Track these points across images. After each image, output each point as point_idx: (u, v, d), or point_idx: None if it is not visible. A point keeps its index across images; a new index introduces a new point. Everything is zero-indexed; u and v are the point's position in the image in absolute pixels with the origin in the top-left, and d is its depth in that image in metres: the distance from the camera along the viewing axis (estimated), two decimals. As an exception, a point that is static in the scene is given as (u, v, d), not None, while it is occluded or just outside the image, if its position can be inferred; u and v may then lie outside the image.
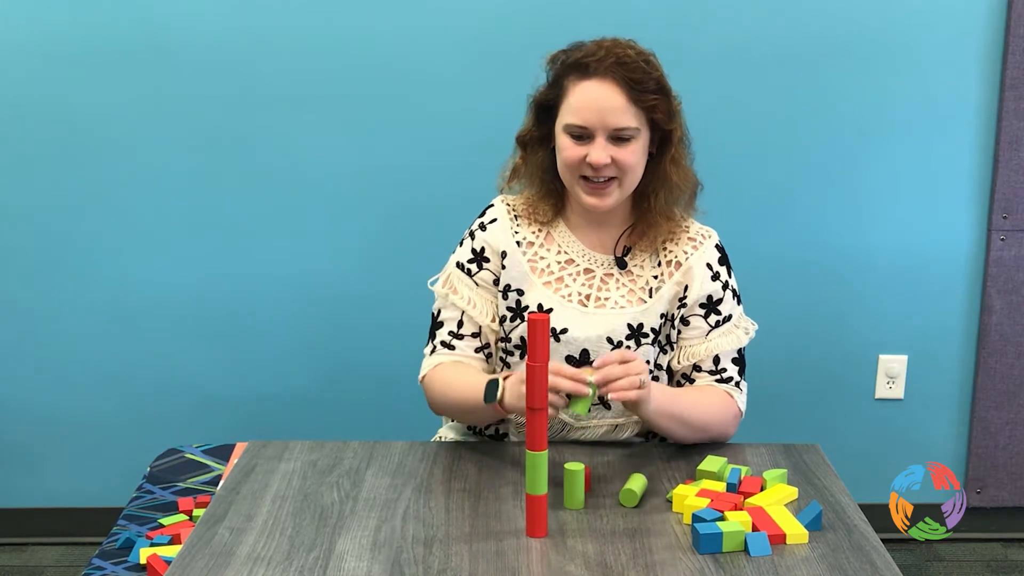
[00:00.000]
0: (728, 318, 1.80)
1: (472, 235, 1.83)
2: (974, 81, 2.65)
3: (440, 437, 1.97)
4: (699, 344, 1.80)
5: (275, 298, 2.74)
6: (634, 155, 1.70)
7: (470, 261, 1.81)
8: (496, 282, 1.81)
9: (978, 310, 2.80)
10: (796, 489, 1.61)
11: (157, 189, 2.67)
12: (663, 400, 1.67)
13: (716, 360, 1.80)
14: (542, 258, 1.79)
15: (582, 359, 1.75)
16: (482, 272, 1.81)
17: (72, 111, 2.62)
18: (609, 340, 1.75)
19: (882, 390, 2.85)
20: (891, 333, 2.81)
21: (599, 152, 1.67)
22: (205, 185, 2.67)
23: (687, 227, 1.82)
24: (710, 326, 1.79)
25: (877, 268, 2.76)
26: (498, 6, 2.58)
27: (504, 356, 1.80)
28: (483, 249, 1.81)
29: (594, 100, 1.67)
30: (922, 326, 2.81)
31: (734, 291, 1.82)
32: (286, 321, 2.76)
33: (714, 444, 1.79)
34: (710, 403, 1.77)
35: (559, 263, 1.79)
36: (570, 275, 1.79)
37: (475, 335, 1.81)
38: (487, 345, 1.82)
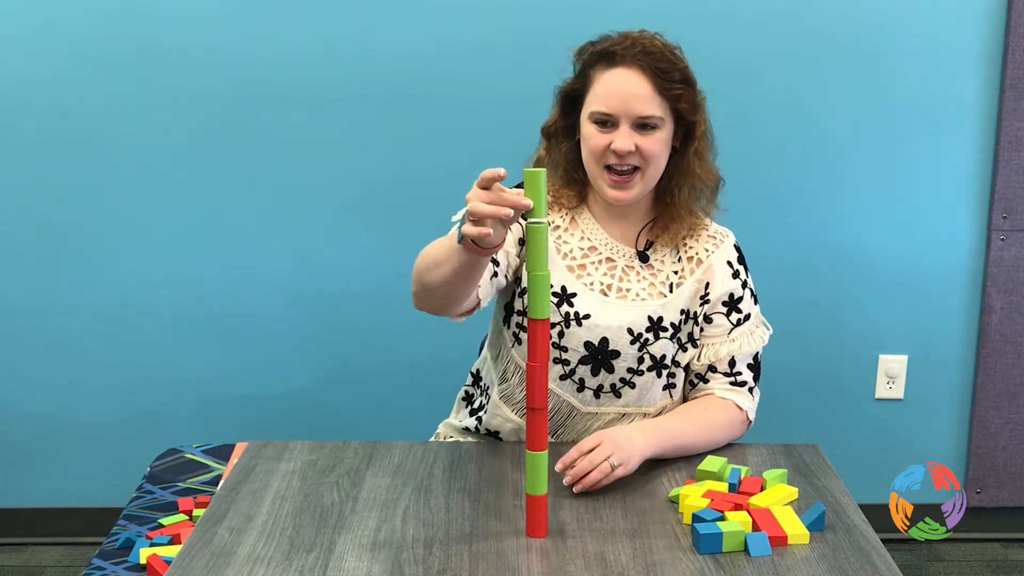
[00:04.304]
0: (748, 316, 1.81)
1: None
2: (974, 81, 2.66)
3: (440, 437, 1.97)
4: (722, 343, 1.80)
5: (275, 298, 2.74)
6: (657, 144, 1.70)
7: None
8: (521, 242, 1.77)
9: (978, 310, 2.80)
10: (796, 489, 1.61)
11: (157, 189, 2.67)
12: (659, 444, 1.67)
13: (732, 363, 1.80)
14: (565, 242, 1.79)
15: (601, 347, 1.74)
16: (514, 226, 1.72)
17: (71, 111, 2.62)
18: (630, 331, 1.75)
19: (882, 390, 2.85)
20: (891, 333, 2.81)
21: (624, 139, 1.68)
22: (205, 185, 2.67)
23: (707, 224, 1.83)
24: (732, 324, 1.80)
25: (877, 268, 2.76)
26: (498, 7, 2.58)
27: (517, 331, 1.79)
28: None
29: (620, 88, 1.68)
30: (922, 326, 2.81)
31: (752, 291, 1.83)
32: (286, 321, 2.76)
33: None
34: (714, 420, 1.77)
35: (582, 250, 1.79)
36: (592, 263, 1.79)
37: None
38: (499, 265, 1.73)
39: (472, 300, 1.66)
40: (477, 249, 1.45)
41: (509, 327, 1.81)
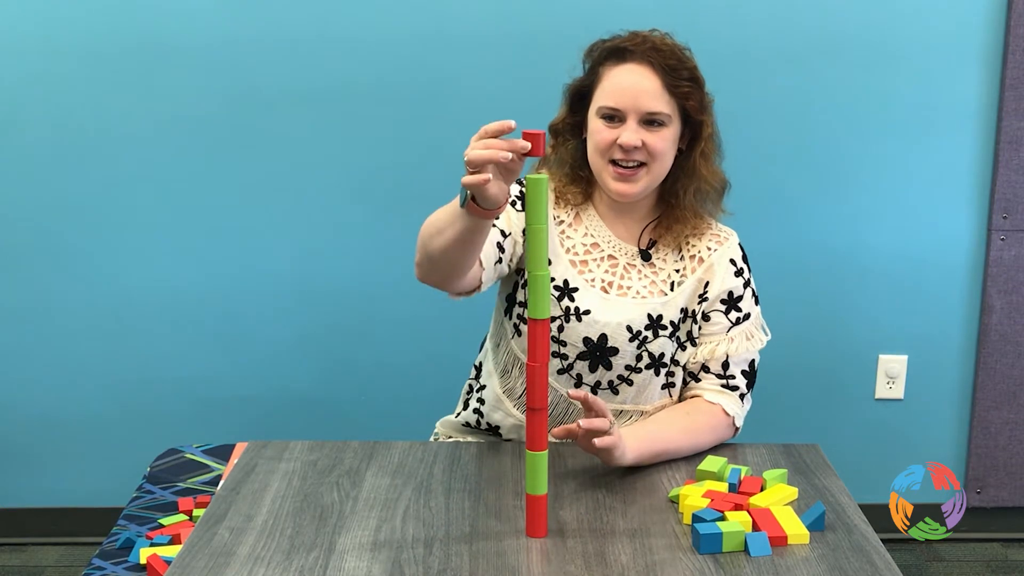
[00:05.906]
0: (747, 316, 1.81)
1: (519, 182, 1.79)
2: (974, 81, 2.66)
3: (439, 436, 1.97)
4: (719, 342, 1.79)
5: (275, 298, 2.74)
6: (664, 141, 1.71)
7: (513, 197, 1.77)
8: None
9: (978, 310, 2.80)
10: (796, 489, 1.61)
11: (156, 189, 2.67)
12: (640, 446, 1.65)
13: (725, 364, 1.80)
14: (569, 238, 1.80)
15: (600, 344, 1.75)
16: (521, 213, 1.76)
17: (70, 110, 2.62)
18: (629, 328, 1.75)
19: (882, 390, 2.85)
20: (891, 333, 2.81)
21: (630, 134, 1.68)
22: (204, 185, 2.67)
23: (711, 224, 1.84)
24: (731, 322, 1.80)
25: (877, 268, 2.76)
26: (497, 5, 2.57)
27: (518, 323, 1.79)
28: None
29: (629, 83, 1.69)
30: (922, 326, 2.81)
31: (754, 291, 1.83)
32: (286, 321, 2.76)
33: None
34: (699, 425, 1.75)
35: (584, 246, 1.80)
36: (594, 260, 1.79)
37: (502, 233, 1.73)
38: (504, 252, 1.74)
39: (474, 277, 1.66)
40: (480, 211, 1.45)
41: (511, 318, 1.81)
